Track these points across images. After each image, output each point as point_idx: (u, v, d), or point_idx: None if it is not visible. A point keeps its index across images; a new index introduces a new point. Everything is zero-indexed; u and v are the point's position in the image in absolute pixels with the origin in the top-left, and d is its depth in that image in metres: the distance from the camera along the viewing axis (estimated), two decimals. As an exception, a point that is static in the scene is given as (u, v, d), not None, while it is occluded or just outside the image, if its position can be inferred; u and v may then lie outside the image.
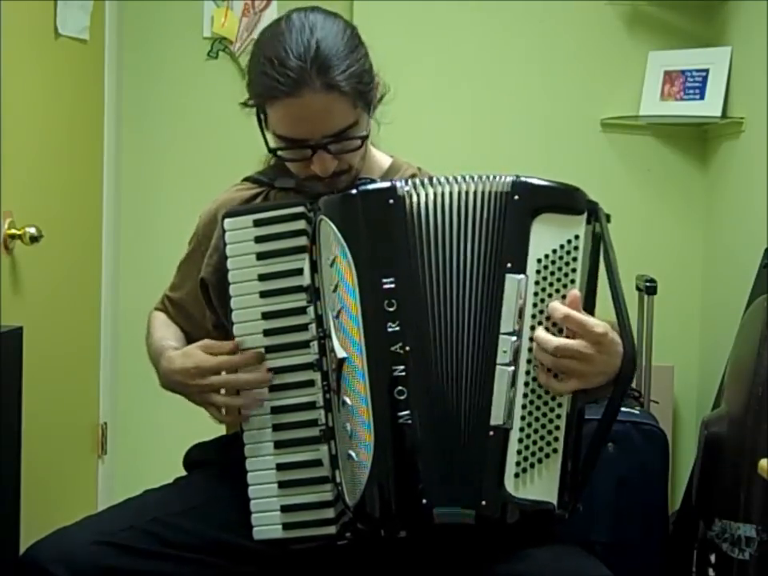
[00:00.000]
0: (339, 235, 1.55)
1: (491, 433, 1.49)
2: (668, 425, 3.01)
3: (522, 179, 1.53)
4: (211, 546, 1.62)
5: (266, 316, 1.62)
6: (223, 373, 1.64)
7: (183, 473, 1.83)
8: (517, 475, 1.48)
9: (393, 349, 1.51)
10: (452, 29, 3.24)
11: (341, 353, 1.54)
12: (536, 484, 1.48)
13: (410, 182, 1.56)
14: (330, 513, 1.58)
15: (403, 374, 1.51)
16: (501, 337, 1.49)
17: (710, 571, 2.11)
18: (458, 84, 3.26)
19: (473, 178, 1.55)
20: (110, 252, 3.21)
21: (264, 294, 1.62)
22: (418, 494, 1.50)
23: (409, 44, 3.24)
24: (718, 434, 2.12)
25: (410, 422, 1.50)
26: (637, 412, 2.48)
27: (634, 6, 3.22)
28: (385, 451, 1.51)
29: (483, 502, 1.49)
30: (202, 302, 1.81)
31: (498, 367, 1.49)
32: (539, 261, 1.50)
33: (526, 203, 1.52)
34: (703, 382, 3.20)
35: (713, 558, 2.08)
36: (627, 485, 2.35)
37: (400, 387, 1.51)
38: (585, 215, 1.51)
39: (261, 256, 1.62)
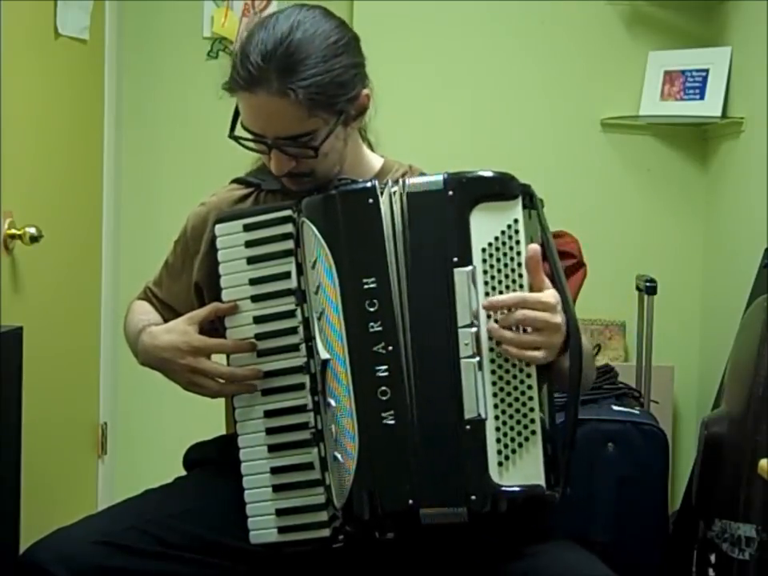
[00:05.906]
0: (320, 237, 1.55)
1: (468, 426, 1.48)
2: (668, 425, 3.01)
3: (451, 174, 1.52)
4: (210, 547, 1.62)
5: (258, 320, 1.62)
6: (213, 357, 1.63)
7: (183, 473, 1.83)
8: (500, 464, 1.47)
9: (375, 349, 1.51)
10: (452, 29, 3.24)
11: (324, 354, 1.54)
12: (521, 469, 1.47)
13: (389, 181, 1.56)
14: (323, 516, 1.57)
15: (386, 374, 1.51)
16: (460, 330, 1.49)
17: (710, 571, 2.10)
18: (458, 84, 3.26)
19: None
20: (109, 252, 3.21)
21: (255, 299, 1.62)
22: (404, 494, 1.49)
23: (409, 44, 3.24)
24: (718, 433, 2.12)
25: (393, 422, 1.50)
26: (637, 412, 2.48)
27: (634, 6, 3.22)
28: (369, 452, 1.50)
29: (473, 497, 1.47)
30: (188, 303, 1.79)
31: (462, 361, 1.48)
32: (483, 250, 1.49)
33: (460, 197, 1.51)
34: (703, 382, 3.20)
35: (713, 558, 2.08)
36: (627, 485, 2.35)
37: (383, 387, 1.51)
38: (519, 199, 1.51)
39: (251, 260, 1.62)
